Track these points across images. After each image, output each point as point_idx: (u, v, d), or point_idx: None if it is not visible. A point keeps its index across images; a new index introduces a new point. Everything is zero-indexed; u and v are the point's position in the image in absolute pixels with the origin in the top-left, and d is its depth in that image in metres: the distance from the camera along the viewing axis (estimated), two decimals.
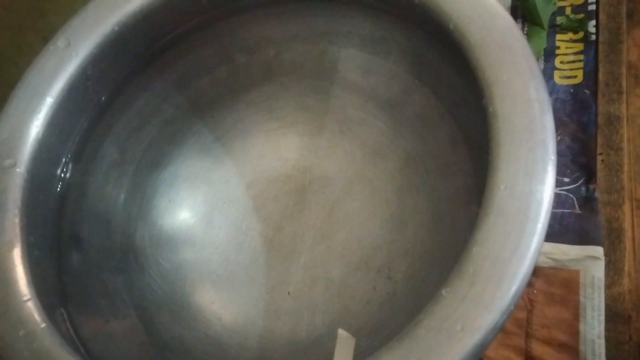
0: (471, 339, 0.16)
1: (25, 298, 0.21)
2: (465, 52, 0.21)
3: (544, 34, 0.45)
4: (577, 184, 0.39)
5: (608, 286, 0.35)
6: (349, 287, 0.31)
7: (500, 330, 0.17)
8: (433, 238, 0.30)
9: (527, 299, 0.37)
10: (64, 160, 0.28)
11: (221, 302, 0.32)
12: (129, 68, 0.30)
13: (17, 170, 0.24)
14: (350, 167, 0.34)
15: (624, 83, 0.42)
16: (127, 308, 0.29)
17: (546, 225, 0.17)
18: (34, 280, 0.22)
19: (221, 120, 0.36)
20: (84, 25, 0.27)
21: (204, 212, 0.34)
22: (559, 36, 0.45)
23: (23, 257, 0.22)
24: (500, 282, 0.16)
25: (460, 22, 0.21)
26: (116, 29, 0.27)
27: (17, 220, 0.23)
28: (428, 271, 0.29)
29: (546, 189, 0.18)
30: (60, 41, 0.26)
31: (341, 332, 0.26)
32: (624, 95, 0.42)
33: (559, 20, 0.45)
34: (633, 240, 0.38)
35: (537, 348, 0.35)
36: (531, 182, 0.17)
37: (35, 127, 0.25)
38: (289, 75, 0.35)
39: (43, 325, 0.20)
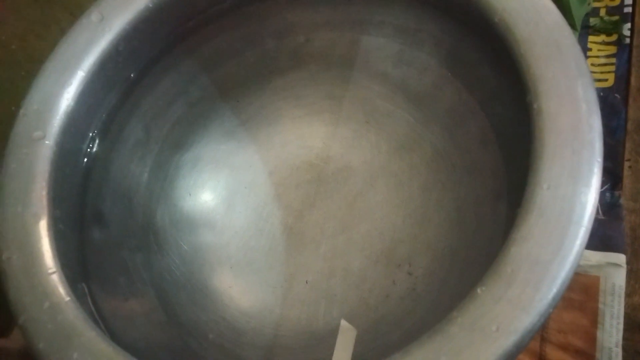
0: (506, 341, 0.15)
1: (50, 271, 0.21)
2: (509, 46, 0.20)
3: (576, 35, 0.44)
4: (602, 190, 0.38)
5: (629, 295, 0.35)
6: (368, 280, 0.31)
7: (536, 334, 0.17)
8: (456, 236, 0.29)
9: None
10: (90, 135, 0.28)
11: (239, 287, 0.31)
12: (159, 47, 0.30)
13: (46, 142, 0.24)
14: (375, 159, 0.34)
15: None
16: (145, 287, 0.28)
17: (589, 229, 0.17)
18: (59, 254, 0.22)
19: (246, 104, 0.35)
20: (117, 0, 0.26)
21: (225, 196, 0.34)
22: (591, 38, 0.44)
23: (49, 230, 0.22)
24: (540, 284, 0.16)
25: (506, 15, 0.20)
26: (150, 5, 0.26)
27: (44, 192, 0.23)
28: (449, 269, 0.29)
29: (591, 192, 0.17)
30: (93, 15, 0.26)
31: (343, 323, 0.26)
32: None
33: (593, 21, 0.44)
34: None
35: (552, 352, 0.35)
36: (576, 183, 0.17)
37: (66, 100, 0.25)
38: (317, 63, 0.34)
39: (67, 298, 0.20)
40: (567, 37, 0.19)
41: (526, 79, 0.19)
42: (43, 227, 0.22)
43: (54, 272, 0.21)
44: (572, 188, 0.17)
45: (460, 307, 0.17)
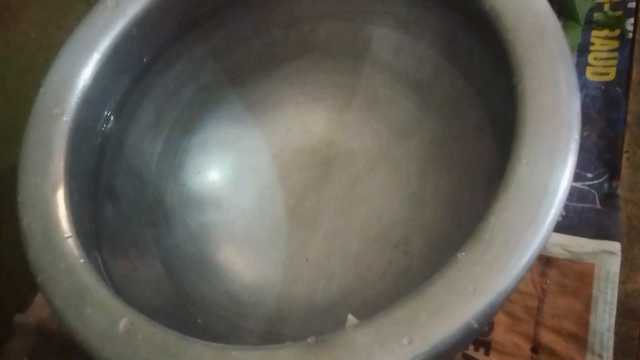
0: (482, 300, 0.17)
1: (66, 235, 0.23)
2: (499, 33, 0.21)
3: (579, 29, 0.45)
4: (600, 180, 0.39)
5: (622, 282, 0.36)
6: (366, 259, 0.32)
7: (510, 295, 0.18)
8: (451, 218, 0.30)
9: (539, 288, 0.37)
10: (105, 114, 0.29)
11: (242, 263, 0.33)
12: (170, 33, 0.32)
13: (64, 119, 0.25)
14: (375, 145, 0.35)
15: None
16: (154, 260, 0.30)
17: (563, 201, 0.18)
18: (75, 222, 0.23)
19: (253, 90, 0.37)
20: None
21: (231, 177, 0.36)
22: (594, 32, 0.44)
23: (66, 199, 0.24)
24: (514, 250, 0.17)
25: (496, 4, 0.22)
26: None
27: (61, 165, 0.24)
28: (444, 249, 0.30)
29: (567, 167, 0.18)
30: (109, 1, 0.28)
31: (350, 318, 0.27)
32: None
33: (596, 16, 0.44)
34: None
35: (546, 336, 0.36)
36: (553, 159, 0.18)
37: (82, 80, 0.26)
38: (322, 51, 0.36)
39: (82, 260, 0.22)
40: (551, 23, 0.20)
41: (512, 63, 0.20)
42: (60, 196, 0.24)
43: (69, 237, 0.23)
44: (550, 164, 0.18)
45: (441, 271, 0.18)
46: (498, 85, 0.25)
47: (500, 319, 0.37)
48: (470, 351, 0.36)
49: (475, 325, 0.17)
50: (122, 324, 0.20)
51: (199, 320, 0.28)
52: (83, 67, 0.26)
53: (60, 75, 0.26)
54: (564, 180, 0.18)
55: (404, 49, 0.33)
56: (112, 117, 0.30)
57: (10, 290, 0.44)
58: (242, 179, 0.36)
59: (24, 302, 0.44)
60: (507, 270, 0.17)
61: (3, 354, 0.42)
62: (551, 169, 0.18)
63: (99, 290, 0.21)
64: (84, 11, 0.52)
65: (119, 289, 0.26)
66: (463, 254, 0.18)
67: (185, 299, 0.30)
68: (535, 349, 0.36)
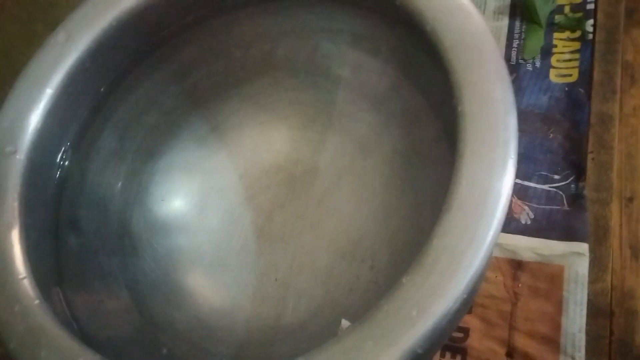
0: (425, 323, 0.17)
1: (21, 276, 0.22)
2: (440, 53, 0.22)
3: (541, 32, 0.45)
4: (567, 182, 0.40)
5: (592, 282, 0.36)
6: (334, 276, 0.32)
7: (457, 316, 0.18)
8: (415, 230, 0.31)
9: (512, 293, 0.38)
10: (63, 148, 0.29)
11: (211, 287, 0.33)
12: (127, 60, 0.32)
13: (17, 157, 0.25)
14: (340, 160, 0.35)
15: (618, 83, 0.42)
16: (120, 289, 0.30)
17: (502, 220, 0.18)
18: (30, 260, 0.23)
19: (217, 112, 0.37)
20: (83, 20, 0.28)
21: (197, 200, 0.36)
22: (556, 34, 0.45)
23: (20, 239, 0.24)
24: (456, 272, 0.17)
25: (436, 24, 0.22)
26: (114, 24, 0.28)
27: (15, 204, 0.24)
28: (408, 262, 0.30)
29: (504, 186, 0.18)
30: (60, 35, 0.28)
31: (344, 322, 0.27)
32: (618, 95, 0.42)
33: (557, 18, 0.45)
34: (620, 237, 0.39)
35: (520, 340, 0.36)
36: (491, 178, 0.18)
37: (35, 116, 0.26)
38: (282, 70, 0.36)
39: (37, 301, 0.22)
40: (489, 43, 0.21)
41: (453, 84, 0.21)
42: (15, 236, 0.24)
43: (24, 278, 0.22)
44: (488, 183, 0.18)
45: (387, 296, 0.18)
46: (448, 101, 0.25)
47: (475, 324, 0.37)
48: (448, 359, 0.36)
49: (420, 351, 0.17)
50: None
51: (164, 350, 0.28)
52: (35, 103, 0.26)
53: (12, 112, 0.26)
54: (502, 199, 0.18)
55: (362, 65, 0.33)
56: (70, 150, 0.30)
57: None
58: (209, 201, 0.36)
59: None
60: (448, 293, 0.17)
61: None
62: (488, 190, 0.18)
63: (55, 332, 0.21)
64: (47, 37, 0.52)
65: (83, 324, 0.26)
66: (408, 278, 0.18)
67: (153, 327, 0.30)
68: (510, 354, 0.36)
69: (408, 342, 0.17)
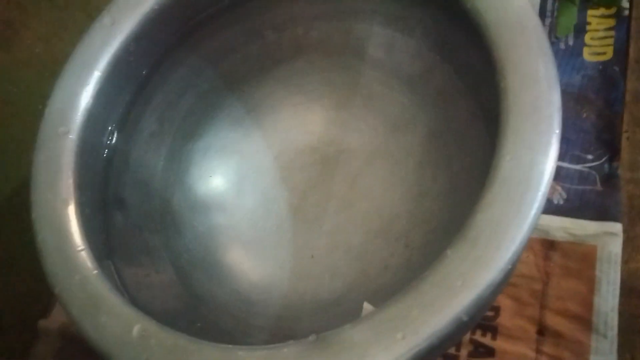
0: (469, 294, 0.18)
1: (79, 248, 0.24)
2: (481, 31, 0.22)
3: (574, 10, 0.44)
4: (601, 161, 0.39)
5: (625, 262, 0.36)
6: (368, 253, 0.33)
7: (500, 287, 0.19)
8: (449, 209, 0.31)
9: (543, 272, 0.38)
10: (109, 128, 0.31)
11: (250, 263, 0.34)
12: (166, 44, 0.33)
13: (70, 137, 0.27)
14: (373, 140, 0.36)
15: None
16: (165, 264, 0.32)
17: (546, 194, 0.19)
18: (86, 234, 0.25)
19: (252, 94, 0.38)
20: (126, 4, 0.29)
21: (235, 181, 0.37)
22: (590, 12, 0.44)
23: (77, 213, 0.25)
24: (499, 245, 0.18)
25: (477, 1, 0.22)
26: (155, 7, 0.29)
27: (70, 181, 0.26)
28: (443, 240, 0.30)
29: (548, 161, 0.19)
30: (105, 19, 0.29)
31: (366, 306, 0.28)
32: None
33: None
34: None
35: (551, 318, 0.36)
36: (534, 154, 0.19)
37: (85, 98, 0.28)
38: (316, 52, 0.36)
39: (95, 272, 0.23)
40: (531, 20, 0.21)
41: (494, 60, 0.21)
42: (71, 211, 0.25)
43: (82, 250, 0.24)
44: (531, 158, 0.19)
45: (432, 267, 0.19)
46: (486, 79, 0.25)
47: (506, 303, 0.37)
48: (478, 336, 0.37)
49: (465, 319, 0.17)
50: (136, 330, 0.21)
51: (210, 319, 0.30)
52: (84, 85, 0.28)
53: (63, 94, 0.27)
54: (545, 174, 0.19)
55: (396, 46, 0.33)
56: (116, 131, 0.31)
57: (32, 296, 0.46)
58: (245, 181, 0.37)
59: (46, 308, 0.46)
60: (492, 264, 0.18)
61: (29, 358, 0.44)
62: (532, 164, 0.19)
63: (112, 299, 0.22)
64: (86, 23, 0.53)
65: (132, 295, 0.27)
66: (452, 250, 0.19)
67: (196, 300, 0.31)
68: (541, 332, 0.36)
69: (453, 311, 0.17)
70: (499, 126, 0.20)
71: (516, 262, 0.18)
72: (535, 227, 0.19)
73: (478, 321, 0.34)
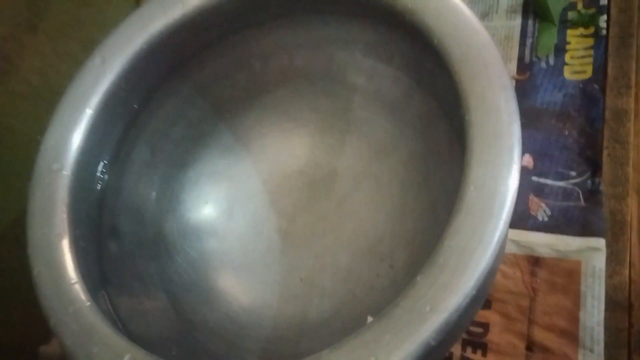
0: (437, 319, 0.19)
1: (73, 281, 0.25)
2: (448, 65, 0.23)
3: (554, 30, 0.46)
4: (583, 178, 0.40)
5: (609, 276, 0.37)
6: (355, 274, 0.34)
7: (468, 312, 0.20)
8: (431, 230, 0.32)
9: (530, 288, 0.39)
10: (102, 162, 0.32)
11: (241, 287, 0.35)
12: (157, 78, 0.34)
13: (64, 172, 0.28)
14: (358, 164, 0.37)
15: (633, 77, 0.43)
16: (158, 291, 0.33)
17: (508, 221, 0.20)
18: (80, 267, 0.26)
19: (241, 121, 0.39)
20: (116, 44, 0.31)
21: (225, 206, 0.38)
22: (569, 32, 0.45)
23: (70, 247, 0.26)
24: (465, 271, 0.19)
25: (443, 38, 0.23)
26: (145, 47, 0.30)
27: (65, 216, 0.27)
28: (426, 260, 0.31)
29: (509, 190, 0.20)
30: (96, 59, 0.30)
31: (370, 319, 0.29)
32: (633, 90, 0.42)
33: (570, 15, 0.46)
34: (638, 231, 0.39)
35: (539, 334, 0.37)
36: (497, 183, 0.20)
37: (77, 135, 0.29)
38: (301, 79, 0.38)
39: (88, 303, 0.24)
40: (493, 56, 0.22)
41: (460, 94, 0.22)
42: (65, 245, 0.26)
43: (76, 282, 0.25)
44: (494, 188, 0.20)
45: (403, 293, 0.20)
46: (457, 108, 0.27)
47: (495, 319, 0.38)
48: (469, 354, 0.38)
49: (433, 343, 0.18)
50: (126, 359, 0.22)
51: (202, 343, 0.30)
52: (77, 123, 0.29)
53: (56, 132, 0.29)
54: (507, 202, 0.20)
55: (376, 72, 0.35)
56: (109, 163, 0.32)
57: (34, 321, 0.47)
58: (236, 206, 0.38)
59: (47, 333, 0.47)
60: (459, 290, 0.19)
61: None
62: (495, 194, 0.20)
63: (104, 330, 0.23)
64: (82, 54, 0.55)
65: (126, 323, 0.28)
66: (421, 276, 0.20)
67: (188, 325, 0.32)
68: (529, 347, 0.37)
69: (422, 336, 0.18)
70: (464, 156, 0.21)
71: (483, 287, 0.19)
72: (499, 253, 0.20)
73: (449, 347, 0.35)
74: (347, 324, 0.32)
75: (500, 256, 0.20)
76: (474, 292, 0.19)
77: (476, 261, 0.19)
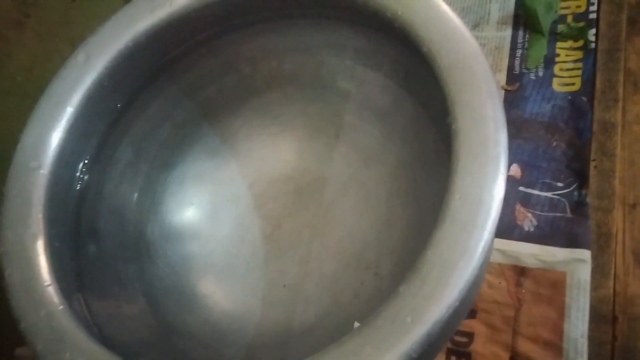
0: (419, 330, 0.18)
1: (46, 283, 0.24)
2: (436, 73, 0.23)
3: (544, 42, 0.46)
4: (570, 189, 0.40)
5: (594, 288, 0.37)
6: (340, 282, 0.34)
7: (450, 323, 0.19)
8: (417, 238, 0.32)
9: (515, 298, 0.38)
10: (83, 162, 0.31)
11: (222, 292, 0.35)
12: (142, 78, 0.34)
13: (41, 171, 0.27)
14: (345, 170, 0.36)
15: (620, 90, 0.43)
16: (137, 295, 0.32)
17: (493, 233, 0.20)
18: (55, 268, 0.25)
19: (228, 124, 0.39)
20: (101, 41, 0.30)
21: (209, 209, 0.38)
22: (559, 44, 0.46)
23: (45, 248, 0.25)
24: (448, 282, 0.19)
25: (432, 46, 0.23)
26: (130, 45, 0.30)
27: (40, 215, 0.26)
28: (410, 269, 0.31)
29: (495, 200, 0.20)
30: (80, 56, 0.30)
31: (357, 325, 0.29)
32: (620, 103, 0.43)
33: (560, 28, 0.46)
34: (623, 244, 0.39)
35: (523, 345, 0.37)
36: (482, 193, 0.20)
37: (57, 133, 0.28)
38: (290, 84, 0.38)
39: (61, 307, 0.23)
40: (481, 64, 0.22)
41: (447, 102, 0.22)
42: (40, 246, 0.25)
43: (49, 285, 0.24)
44: (479, 198, 0.20)
45: (386, 303, 0.19)
46: (445, 117, 0.26)
47: (480, 329, 0.38)
48: None
49: (414, 355, 0.18)
50: None
51: (182, 349, 0.30)
52: (57, 120, 0.28)
53: (35, 130, 0.28)
54: (492, 213, 0.19)
55: (365, 79, 0.35)
56: (90, 163, 0.32)
57: (11, 323, 0.46)
58: (220, 210, 0.37)
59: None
60: (441, 301, 0.18)
61: None
62: (480, 205, 0.19)
63: (77, 335, 0.23)
64: (69, 52, 0.54)
65: (102, 328, 0.28)
66: (404, 286, 0.19)
67: (167, 330, 0.31)
68: (513, 358, 0.37)
69: (403, 347, 0.18)
70: (450, 165, 0.21)
71: (466, 299, 0.19)
72: (483, 265, 0.19)
73: (432, 359, 0.35)
74: (331, 331, 0.31)
75: (485, 266, 0.19)
76: (457, 304, 0.18)
77: (459, 272, 0.19)
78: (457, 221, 0.19)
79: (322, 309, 0.33)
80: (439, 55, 0.23)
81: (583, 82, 0.44)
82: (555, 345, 0.36)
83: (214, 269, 0.35)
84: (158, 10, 0.30)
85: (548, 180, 0.41)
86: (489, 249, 0.19)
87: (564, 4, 0.46)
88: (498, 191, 0.20)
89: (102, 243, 0.32)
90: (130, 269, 0.33)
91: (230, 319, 0.33)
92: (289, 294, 0.34)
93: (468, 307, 0.32)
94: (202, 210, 0.38)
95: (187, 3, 0.30)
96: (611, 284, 0.37)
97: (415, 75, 0.31)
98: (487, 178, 0.20)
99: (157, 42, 0.31)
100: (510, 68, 0.46)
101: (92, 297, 0.29)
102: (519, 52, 0.46)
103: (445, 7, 0.25)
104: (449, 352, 0.38)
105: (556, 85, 0.45)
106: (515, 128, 0.43)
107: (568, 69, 0.45)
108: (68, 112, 0.28)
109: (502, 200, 0.20)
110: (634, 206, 0.40)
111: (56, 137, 0.28)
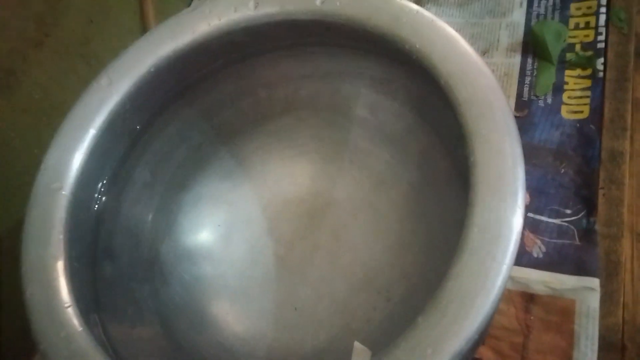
0: None
1: (66, 305, 0.25)
2: (453, 106, 0.24)
3: (553, 70, 0.47)
4: (579, 216, 0.41)
5: (603, 316, 0.37)
6: (351, 306, 0.34)
7: (469, 354, 0.20)
8: (429, 264, 0.32)
9: (524, 325, 0.38)
10: (101, 183, 0.32)
11: (235, 314, 0.35)
12: (161, 101, 0.34)
13: (63, 192, 0.28)
14: (358, 194, 0.37)
15: (628, 119, 0.43)
16: (151, 315, 0.32)
17: (511, 266, 0.20)
18: (74, 289, 0.25)
19: (243, 147, 0.39)
20: (124, 66, 0.31)
21: (223, 231, 0.38)
22: (567, 72, 0.46)
23: (65, 269, 0.26)
24: (467, 315, 0.19)
25: (450, 79, 0.24)
26: (152, 70, 0.31)
27: (61, 236, 0.26)
28: (424, 294, 0.31)
29: (513, 234, 0.20)
30: (103, 80, 0.30)
31: (357, 345, 0.29)
32: (629, 132, 0.43)
33: (569, 56, 0.47)
34: (632, 272, 0.39)
35: None
36: (500, 227, 0.20)
37: (79, 154, 0.29)
38: (305, 109, 0.38)
39: (80, 329, 0.24)
40: (499, 98, 0.23)
41: (465, 135, 0.23)
42: (60, 267, 0.26)
43: (69, 306, 0.25)
44: (498, 231, 0.20)
45: (404, 334, 0.20)
46: (461, 143, 0.27)
47: (488, 355, 0.38)
48: None
49: None
50: None
51: None
52: (79, 143, 0.29)
53: (58, 152, 0.29)
54: (510, 247, 0.20)
55: (380, 106, 0.35)
56: (108, 184, 0.32)
57: (17, 338, 0.46)
58: (233, 232, 0.38)
59: (32, 349, 0.46)
60: (461, 334, 0.19)
61: None
62: (499, 239, 0.20)
63: (95, 356, 0.23)
64: (85, 70, 0.55)
65: (117, 348, 0.28)
66: (423, 317, 0.20)
67: (179, 351, 0.32)
68: None
69: None
70: (469, 198, 0.21)
71: (485, 331, 0.19)
72: (501, 298, 0.20)
73: None
74: (342, 356, 0.31)
75: (501, 297, 0.20)
76: (476, 337, 0.19)
77: (478, 306, 0.19)
78: (477, 254, 0.20)
79: (333, 334, 0.33)
80: (457, 89, 0.23)
81: (591, 110, 0.44)
82: None
83: (226, 290, 0.36)
84: (180, 37, 0.31)
85: (556, 207, 0.42)
86: (506, 281, 0.20)
87: (572, 33, 0.47)
88: (516, 225, 0.20)
89: (118, 263, 0.32)
90: (144, 289, 0.33)
91: (241, 341, 0.33)
92: (300, 317, 0.34)
93: (484, 337, 0.32)
94: (216, 232, 0.38)
95: (209, 30, 0.31)
96: (620, 312, 0.37)
97: (430, 104, 0.32)
98: (506, 212, 0.20)
99: (177, 67, 0.32)
100: (519, 94, 0.46)
101: (107, 318, 0.29)
102: (527, 79, 0.47)
103: (462, 41, 0.25)
104: None
105: (565, 112, 0.45)
106: (524, 154, 0.43)
107: (576, 97, 0.46)
108: (90, 134, 0.29)
109: (520, 234, 0.20)
110: None
111: (78, 159, 0.29)
